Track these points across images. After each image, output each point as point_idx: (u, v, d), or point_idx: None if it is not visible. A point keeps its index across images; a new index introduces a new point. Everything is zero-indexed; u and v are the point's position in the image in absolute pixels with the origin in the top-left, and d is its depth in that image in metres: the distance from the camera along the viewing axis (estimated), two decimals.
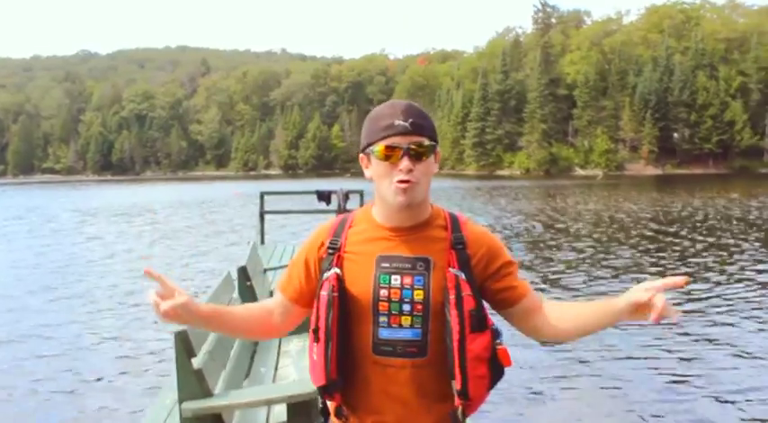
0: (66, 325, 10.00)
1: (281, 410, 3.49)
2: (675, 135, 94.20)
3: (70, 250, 19.28)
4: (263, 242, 13.17)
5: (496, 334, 1.80)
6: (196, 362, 3.11)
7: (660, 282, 1.61)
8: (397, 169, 1.72)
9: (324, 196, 12.63)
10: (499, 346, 1.78)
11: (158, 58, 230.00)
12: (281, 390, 3.49)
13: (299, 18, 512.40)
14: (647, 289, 1.62)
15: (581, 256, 15.94)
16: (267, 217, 13.64)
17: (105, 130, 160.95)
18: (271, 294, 6.18)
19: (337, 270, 1.79)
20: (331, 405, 1.86)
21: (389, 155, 1.72)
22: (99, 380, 7.38)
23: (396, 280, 1.76)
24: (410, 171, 1.71)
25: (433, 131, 1.79)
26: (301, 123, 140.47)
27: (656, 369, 7.26)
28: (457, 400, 1.76)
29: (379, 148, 1.74)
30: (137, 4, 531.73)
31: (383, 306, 1.75)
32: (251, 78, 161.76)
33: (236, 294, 4.79)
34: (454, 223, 1.84)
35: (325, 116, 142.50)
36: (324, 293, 1.77)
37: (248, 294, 5.18)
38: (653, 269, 13.79)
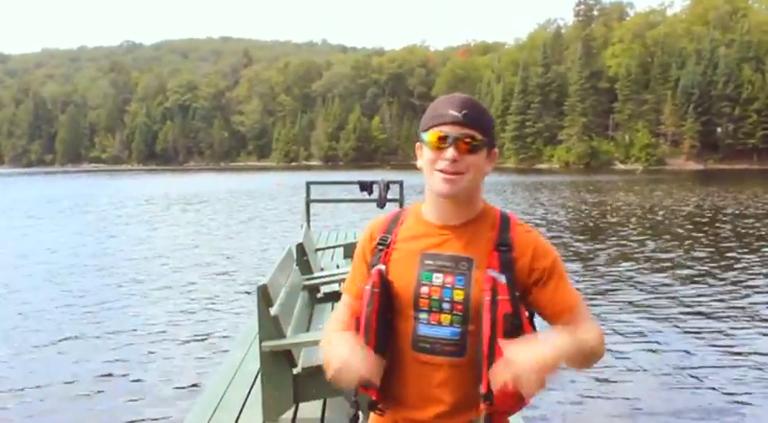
0: (169, 291, 12.18)
1: None
2: (719, 129, 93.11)
3: (163, 234, 21.66)
4: (309, 228, 14.05)
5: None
6: (273, 310, 3.99)
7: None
8: (441, 158, 1.73)
9: (366, 186, 13.42)
10: None
11: (201, 48, 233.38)
12: None
13: (339, 9, 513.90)
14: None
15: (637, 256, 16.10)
16: (312, 204, 14.52)
17: (150, 121, 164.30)
18: (321, 270, 7.08)
19: (381, 266, 1.82)
20: (367, 398, 1.87)
21: (438, 143, 1.73)
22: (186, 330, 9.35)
23: (437, 278, 1.76)
24: (455, 161, 1.71)
25: (489, 128, 1.78)
26: (342, 115, 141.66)
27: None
28: (482, 406, 1.74)
29: (429, 135, 1.75)
30: None
31: (423, 303, 1.76)
32: (292, 69, 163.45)
33: (295, 266, 5.65)
34: (504, 223, 1.82)
35: (366, 108, 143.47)
36: (366, 288, 1.80)
37: (305, 266, 6.13)
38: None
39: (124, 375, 7.35)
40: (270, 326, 3.99)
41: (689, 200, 32.48)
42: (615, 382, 6.95)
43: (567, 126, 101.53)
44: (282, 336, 4.02)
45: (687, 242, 17.59)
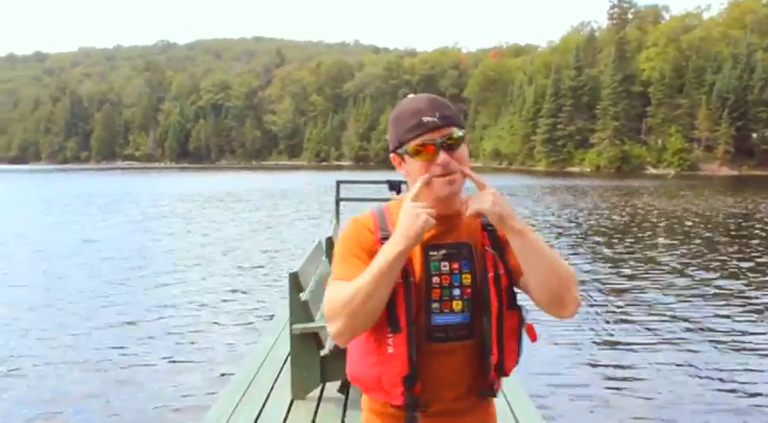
0: (205, 282, 12.94)
1: None
2: (754, 135, 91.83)
3: (200, 230, 22.53)
4: (338, 224, 14.46)
5: (523, 310, 1.87)
6: (303, 296, 4.28)
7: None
8: (434, 164, 1.75)
9: (395, 186, 13.67)
10: (527, 322, 1.87)
11: (234, 48, 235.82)
12: None
13: (372, 9, 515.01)
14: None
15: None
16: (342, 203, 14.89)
17: (183, 119, 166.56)
18: None
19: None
20: (406, 396, 1.81)
21: (424, 152, 1.75)
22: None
23: (445, 266, 1.81)
24: (449, 163, 1.74)
25: (460, 120, 1.84)
26: (373, 115, 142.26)
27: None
28: (493, 375, 1.84)
29: (412, 147, 1.76)
30: None
31: (435, 293, 1.80)
32: (324, 70, 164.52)
33: (324, 258, 5.95)
34: None
35: None
36: (399, 281, 1.75)
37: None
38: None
39: (164, 358, 7.88)
40: (300, 310, 4.30)
41: (722, 205, 32.22)
42: (636, 381, 7.09)
43: (598, 129, 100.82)
44: (311, 320, 4.33)
45: (718, 248, 17.53)
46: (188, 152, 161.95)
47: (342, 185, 15.12)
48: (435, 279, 1.79)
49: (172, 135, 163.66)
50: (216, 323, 9.61)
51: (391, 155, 1.86)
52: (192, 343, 8.57)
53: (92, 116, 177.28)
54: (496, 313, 1.79)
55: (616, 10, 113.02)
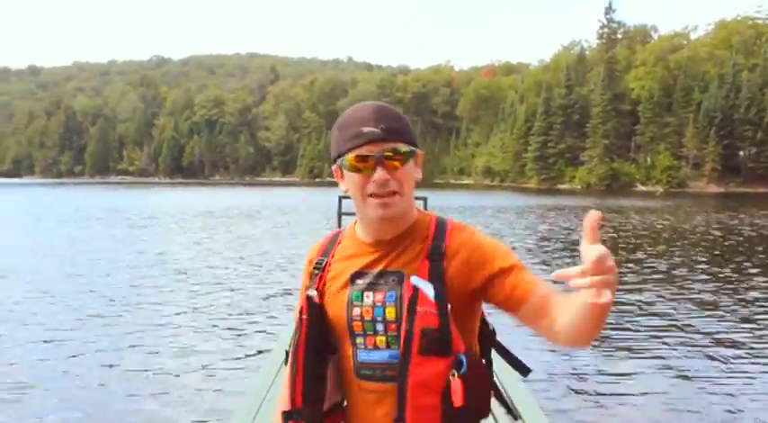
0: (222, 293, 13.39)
1: None
2: (741, 153, 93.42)
3: (219, 244, 23.07)
4: None
5: (458, 364, 1.56)
6: None
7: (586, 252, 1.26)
8: (371, 181, 1.58)
9: None
10: (452, 377, 1.55)
11: (229, 64, 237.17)
12: None
13: (366, 27, 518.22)
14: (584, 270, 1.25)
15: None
16: (343, 217, 15.96)
17: (177, 135, 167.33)
18: None
19: (312, 292, 1.71)
20: None
21: (361, 166, 1.59)
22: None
23: (368, 297, 1.64)
24: (387, 181, 1.57)
25: (409, 134, 1.65)
26: None
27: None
28: None
29: (348, 159, 1.60)
30: (208, 11, 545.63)
31: (357, 326, 1.64)
32: (318, 86, 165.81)
33: None
34: (438, 231, 1.68)
35: None
36: (295, 315, 1.72)
37: None
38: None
39: (169, 373, 8.01)
40: None
41: (708, 222, 33.12)
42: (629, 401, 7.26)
43: (588, 147, 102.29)
44: None
45: (704, 265, 17.80)
46: (182, 167, 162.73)
47: (343, 200, 16.31)
48: (356, 311, 1.64)
49: (166, 150, 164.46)
50: (216, 348, 9.34)
51: (333, 167, 1.71)
52: (202, 357, 8.71)
53: (86, 131, 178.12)
54: (401, 359, 1.58)
55: (605, 30, 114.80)
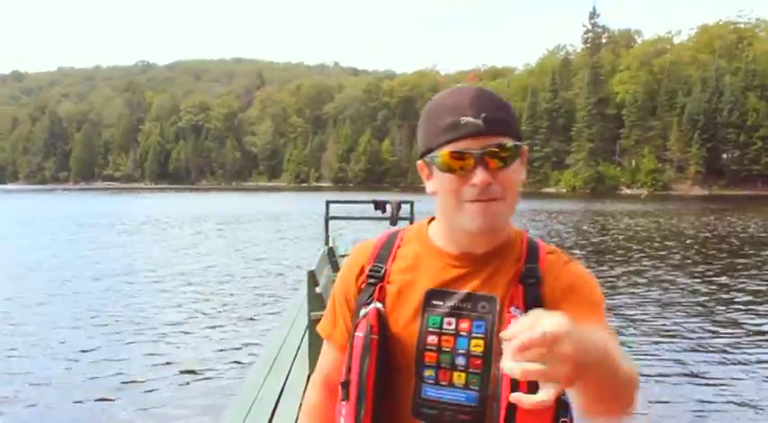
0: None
1: None
2: (724, 156, 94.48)
3: (218, 247, 23.73)
4: (327, 243, 15.68)
5: (563, 406, 1.28)
6: (318, 289, 5.51)
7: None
8: (469, 184, 1.27)
9: (380, 205, 15.02)
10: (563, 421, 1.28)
11: (214, 69, 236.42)
12: None
13: (352, 32, 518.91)
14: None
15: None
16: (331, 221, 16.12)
17: (163, 140, 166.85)
18: None
19: (378, 305, 1.36)
20: None
21: (457, 165, 1.28)
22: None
23: (449, 324, 1.33)
24: (488, 185, 1.27)
25: (515, 127, 1.35)
26: (353, 137, 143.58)
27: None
28: None
29: (442, 156, 1.29)
30: (194, 16, 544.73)
31: (430, 357, 1.33)
32: (304, 92, 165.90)
33: (327, 264, 7.21)
34: (531, 251, 1.40)
35: (377, 130, 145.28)
36: (359, 335, 1.34)
37: (335, 265, 7.69)
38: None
39: (162, 374, 8.23)
40: (315, 301, 5.53)
41: (692, 224, 33.59)
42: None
43: (574, 151, 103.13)
44: (324, 308, 5.57)
45: (690, 266, 18.17)
46: (168, 173, 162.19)
47: (332, 205, 16.45)
48: (432, 338, 1.33)
49: (152, 156, 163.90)
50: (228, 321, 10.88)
51: (419, 163, 1.40)
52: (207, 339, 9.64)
53: (71, 136, 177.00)
54: (505, 405, 1.25)
55: (590, 34, 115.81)
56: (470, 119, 1.26)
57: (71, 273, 17.11)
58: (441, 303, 1.34)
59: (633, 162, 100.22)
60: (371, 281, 1.40)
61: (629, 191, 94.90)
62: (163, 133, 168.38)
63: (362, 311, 1.36)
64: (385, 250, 1.44)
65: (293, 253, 20.82)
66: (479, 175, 1.26)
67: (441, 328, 1.33)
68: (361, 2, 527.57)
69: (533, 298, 1.31)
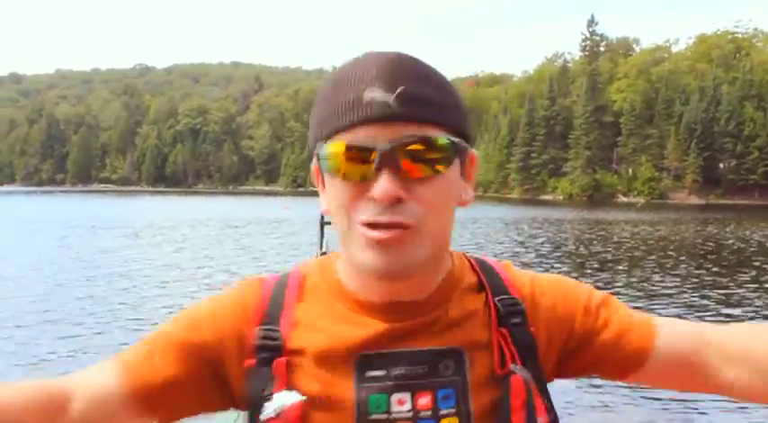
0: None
1: None
2: (721, 165, 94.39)
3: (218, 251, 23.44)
4: (321, 247, 15.59)
5: None
6: None
7: None
8: (367, 197, 0.83)
9: None
10: None
11: (213, 72, 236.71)
12: None
13: (350, 37, 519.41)
14: None
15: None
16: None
17: (160, 143, 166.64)
18: None
19: (300, 396, 0.87)
20: None
21: (351, 169, 0.84)
22: None
23: (401, 403, 0.87)
24: (396, 202, 0.82)
25: (454, 114, 0.89)
26: None
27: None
28: None
29: (332, 151, 0.85)
30: (192, 20, 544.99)
31: None
32: (302, 96, 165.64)
33: None
34: (490, 276, 0.98)
35: None
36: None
37: None
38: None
39: None
40: None
41: (689, 233, 33.50)
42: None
43: (571, 159, 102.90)
44: None
45: (686, 276, 17.99)
46: (165, 176, 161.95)
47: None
48: None
49: (149, 159, 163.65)
50: None
51: (312, 165, 0.94)
52: None
53: (68, 138, 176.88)
54: None
55: (588, 42, 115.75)
56: (378, 94, 0.81)
57: (67, 276, 16.99)
58: (381, 374, 0.89)
59: (630, 170, 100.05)
60: (264, 355, 0.90)
61: (625, 199, 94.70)
62: (160, 136, 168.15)
63: (271, 409, 0.87)
64: (274, 305, 0.94)
65: (288, 258, 20.68)
66: (382, 184, 0.81)
67: (388, 411, 0.87)
68: (358, 7, 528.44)
69: (525, 341, 0.93)
